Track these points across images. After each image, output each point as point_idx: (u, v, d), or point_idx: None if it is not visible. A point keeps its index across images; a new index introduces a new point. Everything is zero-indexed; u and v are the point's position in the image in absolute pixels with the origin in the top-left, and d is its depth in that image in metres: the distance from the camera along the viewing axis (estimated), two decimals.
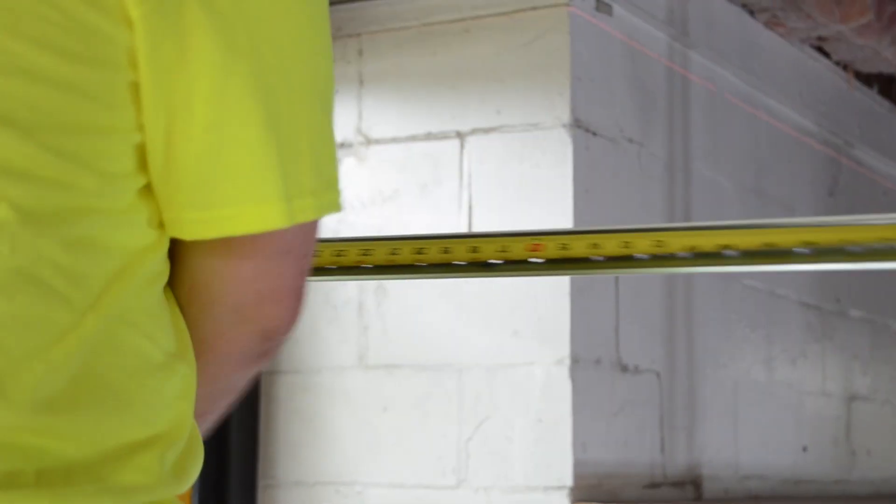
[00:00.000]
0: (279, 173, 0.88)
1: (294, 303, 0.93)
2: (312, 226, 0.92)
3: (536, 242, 1.11)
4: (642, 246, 1.08)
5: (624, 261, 1.10)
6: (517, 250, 1.11)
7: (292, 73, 0.90)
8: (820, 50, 3.99)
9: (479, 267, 1.13)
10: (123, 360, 0.85)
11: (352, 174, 2.99)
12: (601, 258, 1.10)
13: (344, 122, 3.01)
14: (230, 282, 0.90)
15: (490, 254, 1.12)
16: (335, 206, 0.93)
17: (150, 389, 0.86)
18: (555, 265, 1.12)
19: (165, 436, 0.86)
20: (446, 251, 1.13)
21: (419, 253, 1.14)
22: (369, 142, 3.00)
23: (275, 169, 0.88)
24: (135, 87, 0.85)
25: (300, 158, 0.90)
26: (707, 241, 1.09)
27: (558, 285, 2.78)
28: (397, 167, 2.96)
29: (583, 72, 2.88)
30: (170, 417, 0.87)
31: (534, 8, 2.87)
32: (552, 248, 1.10)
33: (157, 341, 0.87)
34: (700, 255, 1.09)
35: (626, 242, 1.09)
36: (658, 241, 1.08)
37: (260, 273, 0.90)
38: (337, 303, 2.99)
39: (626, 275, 2.96)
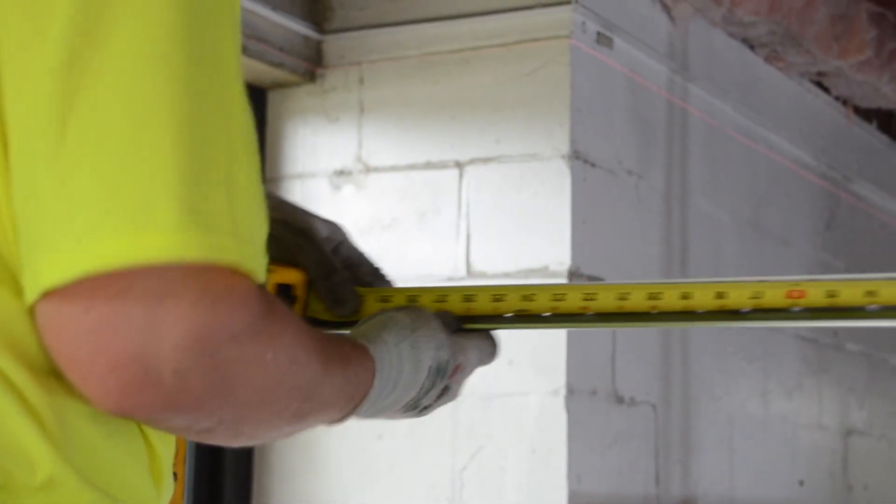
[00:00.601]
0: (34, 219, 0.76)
1: (91, 373, 0.75)
2: (98, 277, 0.74)
3: (798, 289, 1.00)
4: None
5: None
6: (773, 297, 1.01)
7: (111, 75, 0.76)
8: (819, 85, 4.01)
9: (727, 315, 1.02)
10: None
11: (351, 202, 3.00)
12: (876, 307, 0.99)
13: (344, 150, 3.02)
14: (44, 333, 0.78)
15: (740, 301, 1.01)
16: (128, 252, 0.74)
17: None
18: (817, 314, 1.01)
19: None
20: (685, 297, 1.03)
21: (653, 299, 1.03)
22: (368, 170, 3.00)
23: (31, 216, 0.76)
24: None
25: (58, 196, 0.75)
26: None
27: None
28: (396, 195, 2.97)
29: (582, 103, 2.89)
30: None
31: (535, 39, 2.88)
32: (816, 296, 1.00)
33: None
34: None
35: None
36: None
37: (46, 325, 0.76)
38: None
39: None
